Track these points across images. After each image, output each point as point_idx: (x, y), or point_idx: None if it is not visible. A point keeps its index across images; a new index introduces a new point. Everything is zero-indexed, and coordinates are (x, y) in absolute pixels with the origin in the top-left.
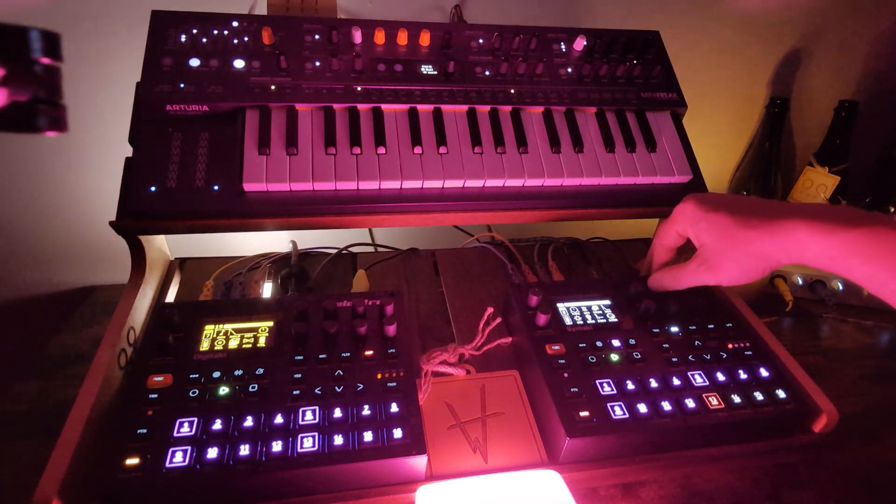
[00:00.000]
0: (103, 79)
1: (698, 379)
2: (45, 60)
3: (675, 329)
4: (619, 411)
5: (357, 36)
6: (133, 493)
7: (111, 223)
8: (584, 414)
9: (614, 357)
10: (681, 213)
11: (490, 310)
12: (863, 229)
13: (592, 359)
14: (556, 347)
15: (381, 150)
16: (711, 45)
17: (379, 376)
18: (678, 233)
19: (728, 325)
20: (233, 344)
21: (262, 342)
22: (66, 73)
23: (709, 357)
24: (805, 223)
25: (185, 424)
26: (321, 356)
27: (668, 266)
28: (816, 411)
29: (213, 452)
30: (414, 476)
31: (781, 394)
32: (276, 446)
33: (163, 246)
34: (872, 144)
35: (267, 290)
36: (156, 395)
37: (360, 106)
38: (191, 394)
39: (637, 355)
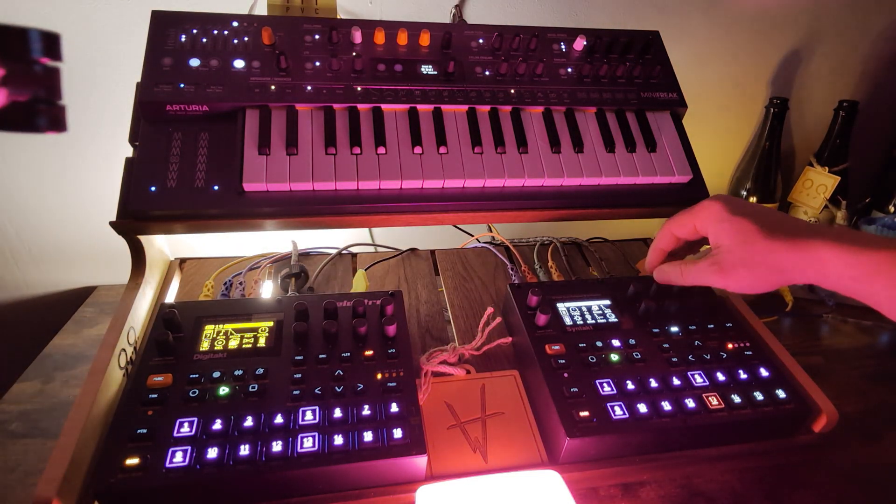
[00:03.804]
0: (103, 79)
1: (698, 379)
2: (45, 60)
3: (675, 329)
4: (619, 411)
5: (357, 36)
6: (133, 493)
7: (111, 223)
8: (584, 414)
9: (614, 357)
10: (706, 208)
11: (490, 310)
12: (890, 251)
13: (592, 359)
14: (556, 347)
15: (381, 150)
16: (711, 45)
17: (379, 376)
18: (696, 227)
19: (728, 325)
20: (233, 344)
21: (262, 342)
22: (66, 73)
23: (709, 357)
24: (829, 242)
25: (185, 424)
26: (321, 356)
27: (676, 260)
28: (816, 411)
29: (213, 452)
30: (414, 476)
31: (781, 394)
32: (276, 446)
33: (163, 246)
34: (872, 144)
35: (267, 290)
36: (156, 395)
37: (360, 106)
38: (191, 394)
39: (637, 355)
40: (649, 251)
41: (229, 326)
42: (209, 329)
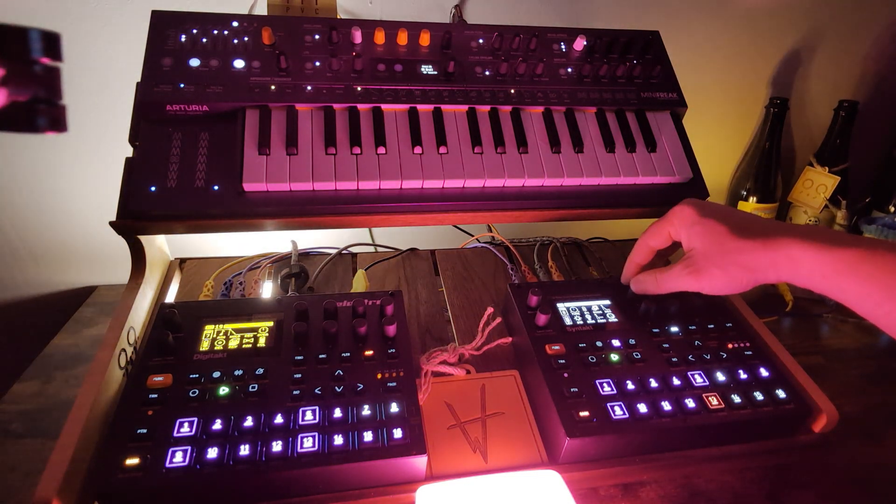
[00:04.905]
0: (103, 79)
1: (698, 379)
2: (45, 60)
3: (675, 329)
4: (619, 411)
5: (357, 36)
6: (133, 493)
7: (111, 223)
8: (584, 414)
9: (614, 357)
10: (677, 214)
11: (490, 310)
12: (859, 249)
13: (592, 359)
14: (556, 347)
15: (381, 150)
16: (711, 45)
17: (379, 376)
18: (670, 234)
19: (728, 325)
20: (233, 344)
21: (262, 342)
22: (66, 73)
23: (709, 357)
24: (799, 240)
25: (185, 424)
26: (321, 356)
27: (650, 269)
28: (816, 411)
29: (213, 452)
30: (414, 476)
31: (781, 394)
32: (276, 446)
33: (163, 246)
34: (872, 144)
35: (267, 290)
36: (156, 395)
37: (360, 106)
38: (191, 394)
39: (637, 355)
40: (626, 264)
41: (229, 326)
42: (209, 329)
